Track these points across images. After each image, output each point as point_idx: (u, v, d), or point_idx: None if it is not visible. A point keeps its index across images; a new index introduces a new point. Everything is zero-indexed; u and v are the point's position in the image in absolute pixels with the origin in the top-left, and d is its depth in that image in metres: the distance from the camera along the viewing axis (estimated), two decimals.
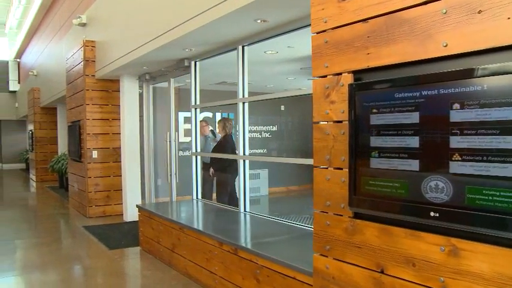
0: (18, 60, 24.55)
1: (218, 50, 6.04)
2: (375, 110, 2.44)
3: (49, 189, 13.97)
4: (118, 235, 7.22)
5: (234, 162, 7.65)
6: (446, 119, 2.09)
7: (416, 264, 2.24)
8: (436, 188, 2.14)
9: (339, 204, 2.68)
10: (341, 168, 2.68)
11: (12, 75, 24.63)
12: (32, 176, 17.04)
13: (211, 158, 8.15)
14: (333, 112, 2.73)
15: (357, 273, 2.58)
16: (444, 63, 2.14)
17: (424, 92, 2.20)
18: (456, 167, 2.06)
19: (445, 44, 2.10)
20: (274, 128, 11.64)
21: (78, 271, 5.66)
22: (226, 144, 7.93)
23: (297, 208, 7.95)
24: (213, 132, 8.78)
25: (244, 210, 5.63)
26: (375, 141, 2.44)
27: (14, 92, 23.98)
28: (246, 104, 5.66)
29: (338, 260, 2.71)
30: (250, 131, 11.15)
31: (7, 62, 24.77)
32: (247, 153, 5.73)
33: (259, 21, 4.51)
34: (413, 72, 2.27)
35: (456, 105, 2.06)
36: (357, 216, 2.59)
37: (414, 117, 2.24)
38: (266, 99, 5.70)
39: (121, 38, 7.53)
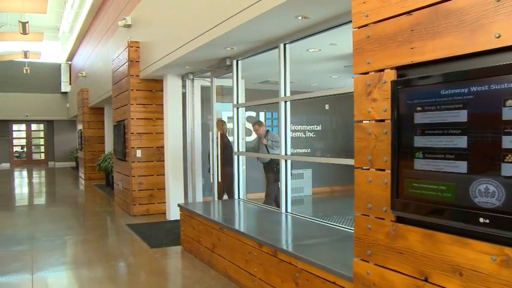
0: (69, 62, 25.41)
1: (259, 49, 5.96)
2: (419, 108, 2.29)
3: (96, 187, 14.33)
4: (160, 234, 7.28)
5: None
6: (498, 116, 1.93)
7: (463, 273, 2.08)
8: (486, 192, 1.98)
9: (381, 207, 2.55)
10: (383, 170, 2.54)
11: (64, 77, 25.52)
12: (81, 174, 17.54)
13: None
14: (374, 110, 2.60)
15: (399, 280, 2.44)
16: (496, 56, 1.97)
17: (473, 88, 2.04)
18: (509, 169, 1.90)
19: (497, 35, 1.94)
20: (319, 128, 11.46)
21: (120, 269, 5.72)
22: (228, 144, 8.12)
23: (341, 209, 7.79)
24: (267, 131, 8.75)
25: (286, 211, 5.53)
26: (419, 141, 2.29)
27: (66, 93, 24.82)
28: (288, 103, 5.56)
29: (379, 265, 2.57)
30: (294, 131, 11.08)
31: (59, 65, 25.67)
32: (289, 152, 5.63)
33: (300, 18, 4.40)
34: (461, 66, 2.12)
35: (510, 102, 1.89)
36: (399, 220, 2.46)
37: (462, 116, 2.09)
38: (306, 98, 5.58)
39: (164, 38, 7.59)
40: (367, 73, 2.66)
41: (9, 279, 5.39)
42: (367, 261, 2.66)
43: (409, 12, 2.35)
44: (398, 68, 2.47)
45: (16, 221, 9.22)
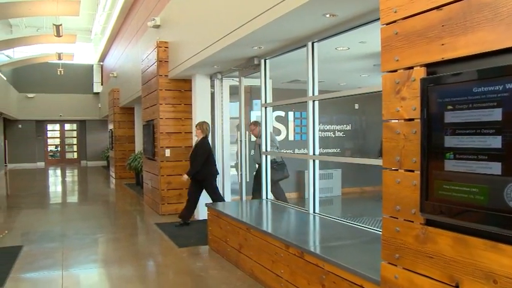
0: (101, 63, 25.91)
1: (287, 47, 5.90)
2: (450, 107, 2.20)
3: (126, 186, 14.51)
4: (188, 233, 7.30)
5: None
6: None
7: (498, 281, 1.98)
8: None
9: (410, 210, 2.46)
10: (412, 171, 2.46)
11: (96, 78, 26.05)
12: (112, 173, 17.82)
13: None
14: (403, 109, 2.52)
15: (428, 285, 2.35)
16: None
17: (509, 85, 1.94)
18: None
19: None
20: (348, 127, 11.31)
21: (147, 268, 5.75)
22: (198, 147, 7.74)
23: (370, 210, 7.64)
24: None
25: (314, 212, 5.46)
26: (450, 141, 2.20)
27: (98, 93, 25.32)
28: (316, 103, 5.49)
29: (408, 270, 2.49)
30: (323, 130, 10.96)
31: (92, 66, 26.21)
32: (317, 152, 5.55)
33: (327, 15, 4.33)
34: (495, 63, 2.02)
35: None
36: (429, 223, 2.36)
37: (496, 114, 1.99)
38: (334, 97, 5.49)
39: (192, 38, 7.61)
40: (395, 71, 2.57)
41: (41, 275, 5.50)
42: (395, 265, 2.58)
43: (439, 7, 2.26)
44: (428, 65, 2.38)
45: (49, 219, 9.40)
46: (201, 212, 8.27)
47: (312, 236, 4.87)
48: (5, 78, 20.52)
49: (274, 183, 7.61)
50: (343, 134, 11.15)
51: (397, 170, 2.57)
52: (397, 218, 2.56)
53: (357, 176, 10.52)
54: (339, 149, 10.98)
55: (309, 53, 5.39)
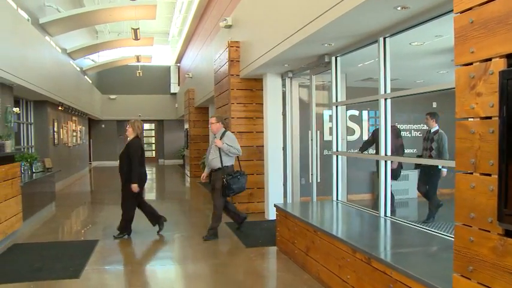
0: (178, 64, 26.73)
1: (358, 44, 5.69)
2: None
3: (200, 184, 14.76)
4: (257, 233, 7.26)
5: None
6: None
7: None
8: None
9: (486, 218, 2.22)
10: (489, 175, 2.21)
11: (173, 79, 26.90)
12: (187, 172, 18.24)
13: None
14: (479, 106, 2.28)
15: None
16: None
17: None
18: None
19: None
20: (425, 127, 10.77)
21: (213, 267, 5.75)
22: (129, 147, 7.09)
23: (447, 214, 7.19)
24: None
25: (385, 215, 5.21)
26: None
27: (174, 94, 26.10)
28: (389, 101, 5.23)
29: (483, 284, 2.24)
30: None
31: (169, 67, 27.09)
32: (389, 153, 5.30)
33: (399, 8, 4.09)
34: None
35: None
36: (508, 234, 2.11)
37: None
38: (406, 95, 5.19)
39: (262, 37, 7.57)
40: (470, 64, 2.34)
41: (112, 269, 5.70)
42: (469, 279, 2.34)
43: None
44: (508, 56, 2.12)
45: None
46: (271, 212, 8.20)
47: (381, 241, 4.62)
48: (90, 81, 21.69)
49: (224, 194, 6.89)
50: (420, 134, 10.63)
51: (471, 173, 2.33)
52: (471, 227, 2.32)
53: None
54: (415, 150, 10.47)
55: (381, 49, 5.15)
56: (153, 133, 27.71)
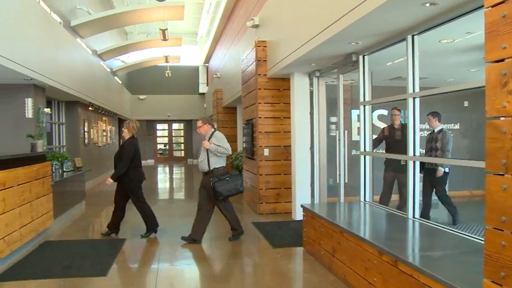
0: (206, 64, 26.92)
1: (386, 42, 5.58)
2: None
3: None
4: (284, 233, 7.21)
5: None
6: None
7: None
8: None
9: None
10: None
11: (202, 79, 27.09)
12: None
13: None
14: (511, 105, 2.18)
15: None
16: None
17: None
18: None
19: None
20: (456, 126, 10.54)
21: (239, 267, 5.74)
22: (123, 148, 7.17)
23: (479, 216, 6.95)
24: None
25: (413, 217, 5.09)
26: None
27: (203, 94, 26.27)
28: (417, 100, 5.11)
29: None
30: (429, 130, 10.28)
31: (197, 67, 27.30)
32: (417, 153, 5.18)
33: (427, 4, 3.98)
34: None
35: None
36: None
37: None
38: (434, 94, 5.06)
39: (288, 36, 7.53)
40: (502, 60, 2.24)
41: (138, 268, 5.75)
42: (500, 285, 2.24)
43: None
44: None
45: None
46: (298, 212, 8.14)
47: (409, 243, 4.51)
48: (120, 82, 22.03)
49: (224, 198, 6.69)
50: (450, 134, 10.39)
51: (502, 174, 2.23)
52: (502, 231, 2.23)
53: (466, 179, 9.73)
54: None
55: (409, 47, 5.05)
56: (181, 133, 27.96)
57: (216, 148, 6.60)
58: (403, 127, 7.40)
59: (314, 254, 5.78)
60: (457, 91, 4.54)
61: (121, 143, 7.24)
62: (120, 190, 7.23)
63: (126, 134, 7.18)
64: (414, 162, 5.14)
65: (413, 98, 5.09)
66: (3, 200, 5.58)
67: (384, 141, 7.66)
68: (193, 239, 6.73)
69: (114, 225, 7.29)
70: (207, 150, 6.67)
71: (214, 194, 6.57)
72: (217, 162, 6.71)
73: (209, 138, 6.73)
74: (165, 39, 14.64)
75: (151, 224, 7.21)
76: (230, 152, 6.80)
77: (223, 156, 6.79)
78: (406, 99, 5.14)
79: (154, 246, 6.63)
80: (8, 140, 8.74)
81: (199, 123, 6.92)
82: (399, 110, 7.78)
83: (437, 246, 4.10)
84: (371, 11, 4.26)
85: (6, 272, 5.37)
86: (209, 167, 6.65)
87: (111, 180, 7.07)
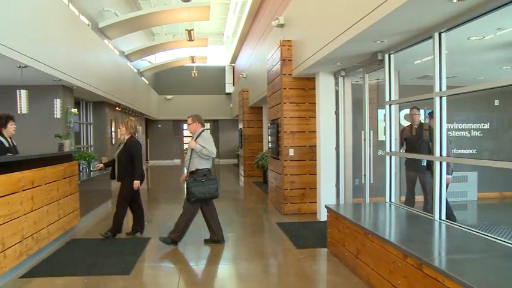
0: (233, 64, 27.04)
1: (412, 40, 5.47)
2: None
3: (253, 184, 14.82)
4: (308, 234, 7.16)
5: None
6: None
7: None
8: None
9: None
10: None
11: (228, 79, 27.20)
12: (241, 171, 18.34)
13: None
14: None
15: None
16: None
17: None
18: None
19: None
20: (486, 126, 10.26)
21: (262, 268, 5.70)
22: (130, 147, 7.12)
23: (510, 219, 6.74)
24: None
25: (440, 219, 4.97)
26: None
27: (229, 93, 26.36)
28: (444, 99, 5.00)
29: None
30: (457, 130, 10.07)
31: (224, 67, 27.42)
32: (444, 154, 5.06)
33: (455, 0, 3.87)
34: None
35: None
36: None
37: None
38: (462, 93, 4.92)
39: (313, 35, 7.47)
40: None
41: (162, 267, 5.79)
42: None
43: None
44: None
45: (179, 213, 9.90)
46: (323, 213, 8.08)
47: (434, 246, 4.40)
48: (147, 82, 22.30)
49: (197, 200, 6.52)
50: (480, 133, 10.12)
51: None
52: None
53: (497, 180, 9.48)
54: (475, 150, 10.00)
55: (436, 45, 4.94)
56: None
57: (200, 149, 6.45)
58: (422, 126, 7.29)
59: (338, 255, 5.71)
60: (486, 89, 4.42)
61: (124, 142, 7.20)
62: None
63: (124, 133, 7.18)
64: (441, 162, 5.02)
65: (440, 97, 4.98)
66: (32, 198, 5.71)
67: (405, 142, 7.53)
68: (216, 241, 6.76)
69: (138, 223, 7.36)
70: (192, 149, 6.55)
71: (188, 194, 6.52)
72: (201, 164, 6.58)
73: (196, 138, 6.60)
74: (190, 39, 14.74)
75: (117, 226, 7.16)
76: (214, 156, 6.63)
77: (208, 158, 6.63)
78: (432, 98, 5.03)
79: (178, 245, 6.65)
80: (38, 140, 8.95)
81: (189, 120, 6.78)
82: (418, 109, 7.64)
83: (465, 249, 3.98)
84: (396, 8, 4.18)
85: (34, 268, 5.52)
86: (192, 167, 6.59)
87: (138, 183, 7.08)
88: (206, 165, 6.62)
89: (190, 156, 6.57)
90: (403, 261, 3.84)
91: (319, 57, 7.11)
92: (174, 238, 6.52)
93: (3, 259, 4.88)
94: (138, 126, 7.34)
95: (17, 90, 7.45)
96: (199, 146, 6.45)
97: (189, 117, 6.87)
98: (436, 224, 4.89)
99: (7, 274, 5.05)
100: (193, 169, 6.56)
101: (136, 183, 7.06)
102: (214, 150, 6.57)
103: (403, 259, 3.83)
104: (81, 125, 12.47)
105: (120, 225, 7.16)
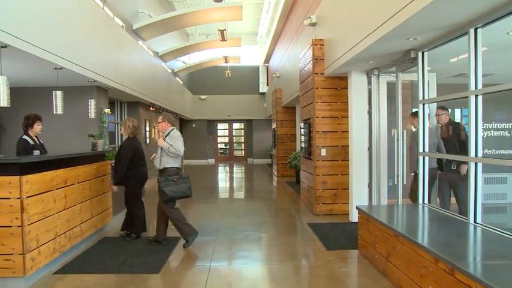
0: (266, 64, 27.04)
1: (446, 37, 5.30)
2: None
3: (286, 184, 14.74)
4: (339, 235, 7.05)
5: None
6: None
7: None
8: None
9: None
10: None
11: (262, 78, 27.22)
12: (274, 171, 18.29)
13: None
14: None
15: None
16: None
17: None
18: None
19: None
20: None
21: (291, 269, 5.62)
22: (120, 148, 7.06)
23: None
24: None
25: (475, 222, 4.80)
26: None
27: (263, 93, 26.37)
28: (480, 97, 4.82)
29: None
30: (496, 129, 9.72)
31: (258, 67, 27.45)
32: (479, 154, 4.87)
33: None
34: None
35: None
36: None
37: None
38: (497, 91, 4.72)
39: (345, 33, 7.36)
40: None
41: (191, 267, 5.81)
42: None
43: None
44: None
45: (212, 213, 9.97)
46: (355, 214, 7.94)
47: (468, 250, 4.23)
48: (181, 83, 22.54)
49: (170, 199, 6.49)
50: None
51: None
52: None
53: None
54: None
55: (471, 41, 4.76)
56: (242, 132, 28.18)
57: (168, 147, 6.46)
58: (451, 125, 7.04)
59: (368, 257, 5.59)
60: None
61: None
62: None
63: (123, 133, 7.15)
64: (476, 164, 4.84)
65: (475, 96, 4.80)
66: (65, 196, 5.83)
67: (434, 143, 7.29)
68: (156, 240, 6.76)
69: (138, 230, 7.21)
70: (161, 148, 6.57)
71: (160, 193, 6.52)
72: (169, 162, 6.59)
73: (165, 137, 6.65)
74: (223, 39, 14.79)
75: (140, 227, 7.15)
76: (181, 154, 6.62)
77: (177, 156, 6.62)
78: (467, 96, 4.86)
79: (209, 245, 6.66)
80: (73, 140, 9.15)
81: (160, 119, 6.82)
82: (443, 108, 7.38)
83: (500, 254, 3.81)
84: (428, 4, 4.06)
85: (67, 265, 5.66)
86: (160, 165, 6.62)
87: (115, 187, 7.11)
88: (174, 163, 6.64)
89: (161, 154, 6.62)
90: (434, 266, 3.71)
91: (350, 55, 7.00)
92: (187, 237, 6.55)
93: (37, 255, 5.01)
94: (136, 126, 7.26)
95: (53, 91, 7.65)
96: (167, 144, 6.49)
97: (160, 116, 6.93)
98: (471, 227, 4.72)
99: (41, 270, 5.20)
100: (162, 167, 6.62)
101: (112, 187, 7.16)
102: (181, 148, 6.59)
103: (435, 263, 3.70)
104: (116, 124, 12.68)
105: (143, 225, 7.21)
